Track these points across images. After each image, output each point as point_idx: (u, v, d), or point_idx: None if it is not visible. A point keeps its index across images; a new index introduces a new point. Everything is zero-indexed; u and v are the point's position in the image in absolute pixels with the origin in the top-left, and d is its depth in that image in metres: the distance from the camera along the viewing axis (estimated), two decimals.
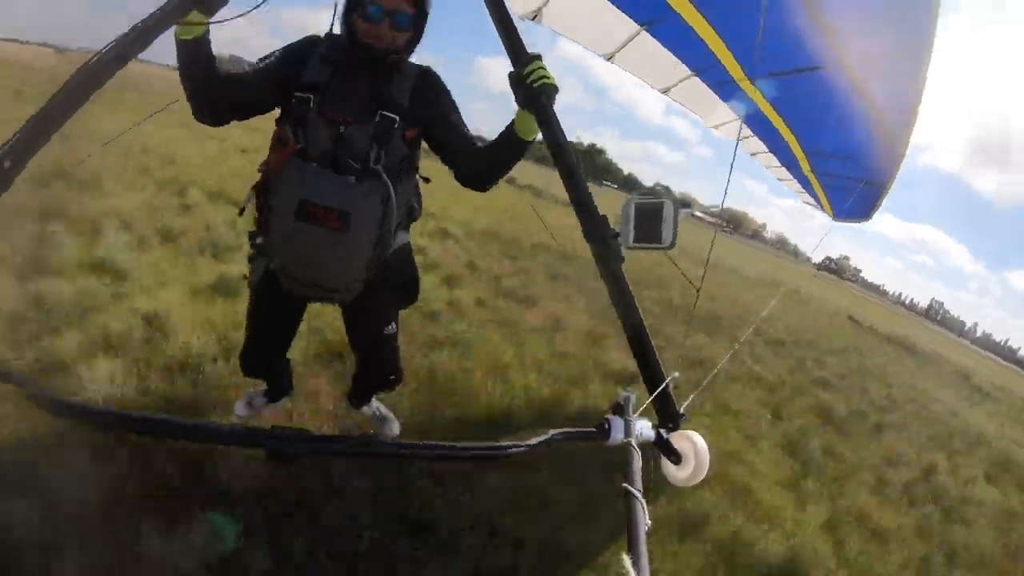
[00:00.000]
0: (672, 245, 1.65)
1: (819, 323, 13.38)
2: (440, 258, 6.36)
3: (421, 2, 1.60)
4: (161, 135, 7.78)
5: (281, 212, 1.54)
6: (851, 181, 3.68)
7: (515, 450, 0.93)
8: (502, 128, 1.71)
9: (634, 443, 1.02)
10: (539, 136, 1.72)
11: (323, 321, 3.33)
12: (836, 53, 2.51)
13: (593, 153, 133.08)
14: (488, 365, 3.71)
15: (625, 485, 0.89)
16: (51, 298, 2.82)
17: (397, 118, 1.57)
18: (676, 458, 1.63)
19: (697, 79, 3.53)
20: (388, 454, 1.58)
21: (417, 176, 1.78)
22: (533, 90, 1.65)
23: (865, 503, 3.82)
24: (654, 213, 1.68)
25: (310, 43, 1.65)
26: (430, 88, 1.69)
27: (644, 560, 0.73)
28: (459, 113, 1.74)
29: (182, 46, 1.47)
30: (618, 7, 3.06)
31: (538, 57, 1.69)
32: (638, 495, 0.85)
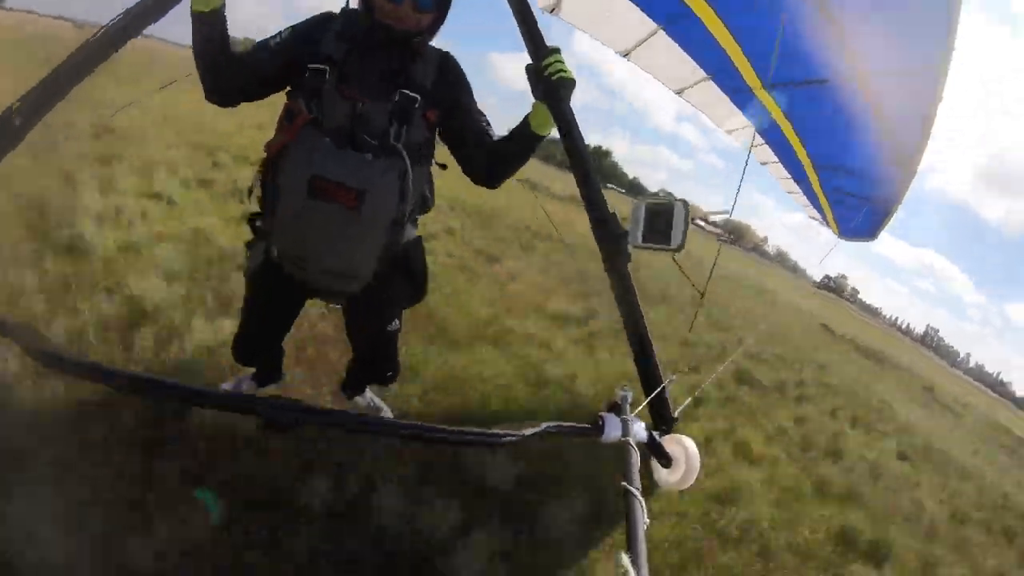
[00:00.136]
0: (680, 247, 1.63)
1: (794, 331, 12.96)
2: (420, 221, 6.50)
3: None
4: (191, 107, 8.14)
5: (291, 190, 1.44)
6: (860, 199, 3.68)
7: (509, 439, 0.92)
8: (511, 126, 1.66)
9: (632, 442, 1.01)
10: (553, 131, 1.69)
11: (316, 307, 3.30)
12: (853, 68, 2.50)
13: (600, 155, 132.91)
14: (447, 296, 4.40)
15: (624, 484, 0.88)
16: (126, 211, 3.89)
17: (419, 97, 1.51)
18: (667, 461, 1.62)
19: (712, 83, 3.51)
20: (384, 432, 1.57)
21: (433, 162, 1.69)
22: (551, 83, 1.63)
23: (750, 436, 3.82)
24: (664, 214, 1.66)
25: (324, 19, 1.58)
26: (451, 71, 1.64)
27: (643, 559, 0.72)
28: (477, 103, 1.69)
29: (198, 19, 1.44)
30: (637, 4, 3.03)
31: (557, 50, 1.66)
32: (637, 493, 0.84)
